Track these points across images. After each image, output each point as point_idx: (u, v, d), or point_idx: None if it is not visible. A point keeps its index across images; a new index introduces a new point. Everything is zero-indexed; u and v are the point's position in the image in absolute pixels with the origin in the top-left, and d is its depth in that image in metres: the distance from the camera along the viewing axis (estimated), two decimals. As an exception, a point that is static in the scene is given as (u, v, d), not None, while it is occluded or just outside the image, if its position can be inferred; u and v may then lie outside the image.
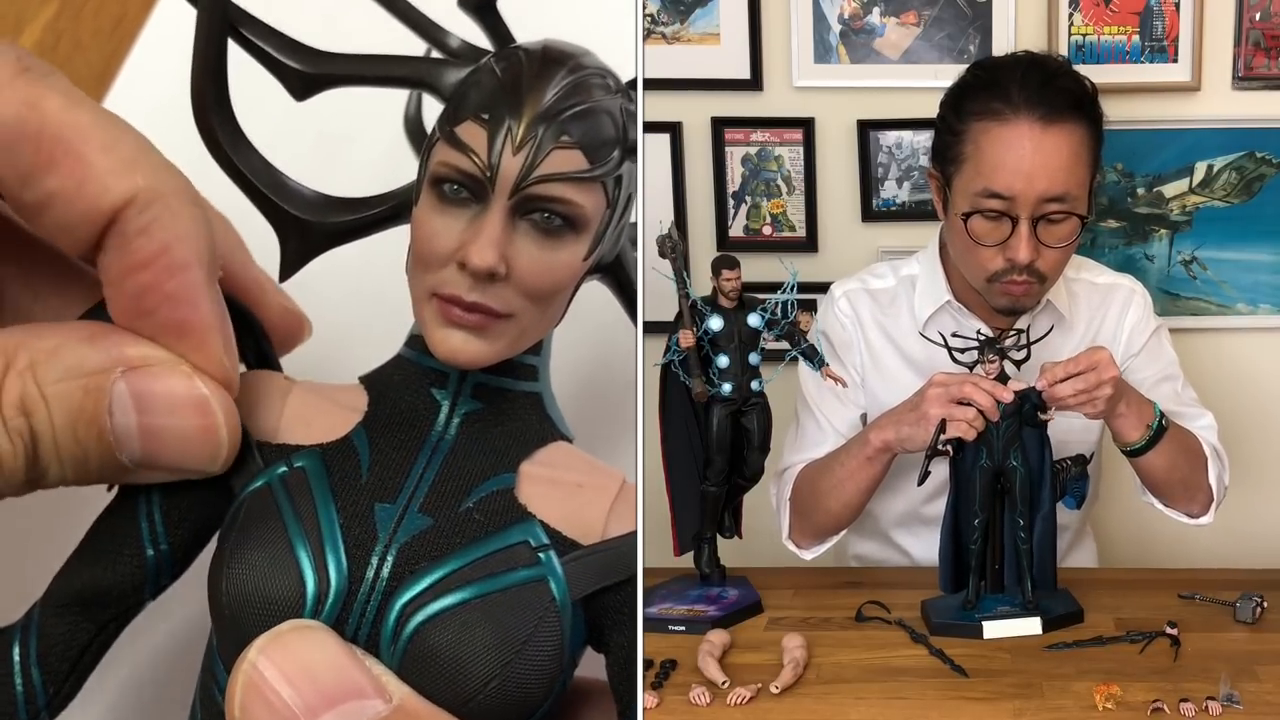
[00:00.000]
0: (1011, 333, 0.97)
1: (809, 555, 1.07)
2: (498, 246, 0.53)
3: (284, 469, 0.55)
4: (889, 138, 1.26)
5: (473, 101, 0.55)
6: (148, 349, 0.53)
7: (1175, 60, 1.23)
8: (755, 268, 0.95)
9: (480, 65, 0.57)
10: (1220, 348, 1.27)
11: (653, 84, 0.86)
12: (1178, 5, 1.21)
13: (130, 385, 0.52)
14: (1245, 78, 1.22)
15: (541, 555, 0.54)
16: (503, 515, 0.55)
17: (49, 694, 0.55)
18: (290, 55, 0.58)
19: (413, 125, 0.69)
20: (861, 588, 1.00)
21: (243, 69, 0.58)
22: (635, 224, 0.61)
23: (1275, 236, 1.25)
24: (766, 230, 1.29)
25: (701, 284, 0.93)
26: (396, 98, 0.66)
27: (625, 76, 0.58)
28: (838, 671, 0.86)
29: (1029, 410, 0.93)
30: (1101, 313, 1.09)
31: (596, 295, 0.61)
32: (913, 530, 1.11)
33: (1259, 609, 0.92)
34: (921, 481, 0.94)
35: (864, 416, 1.08)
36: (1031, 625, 0.92)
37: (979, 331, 0.99)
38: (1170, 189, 1.25)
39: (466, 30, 0.61)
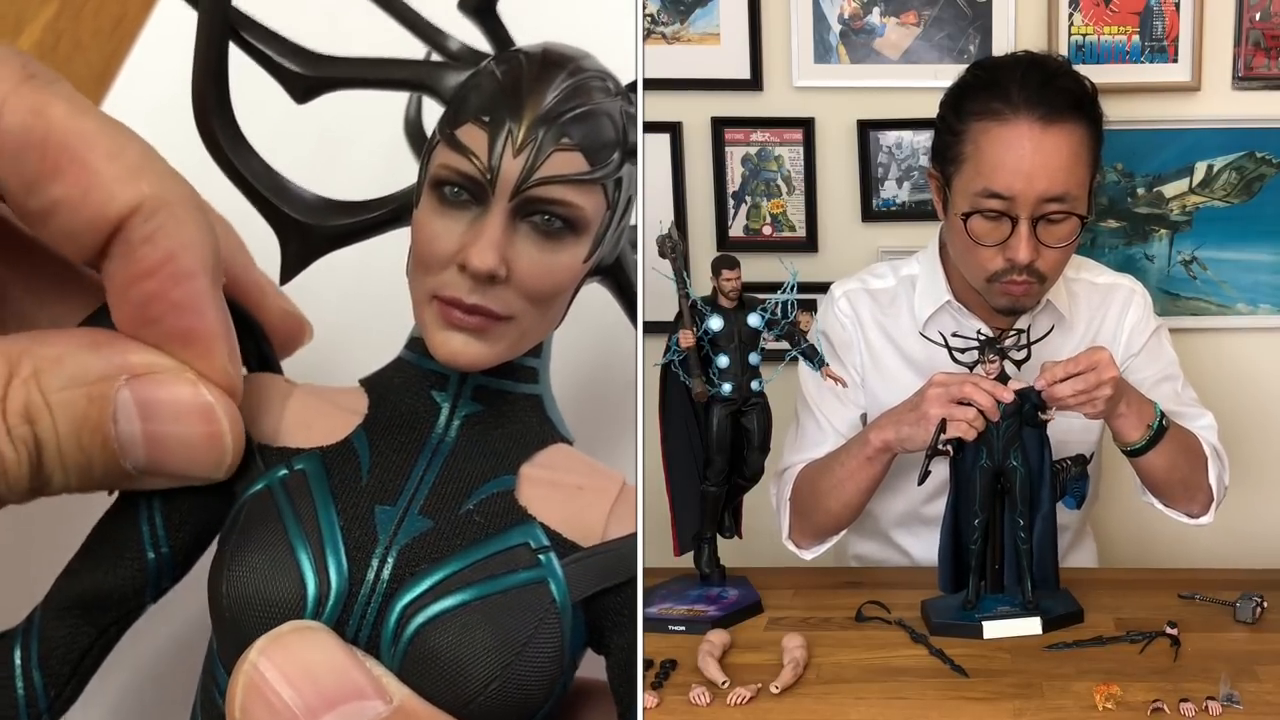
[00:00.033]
0: (1011, 333, 0.97)
1: (809, 555, 1.07)
2: (498, 249, 0.54)
3: (284, 472, 0.55)
4: (889, 138, 1.26)
5: (473, 104, 0.55)
6: (152, 356, 0.53)
7: (1175, 60, 1.22)
8: (755, 268, 0.95)
9: (480, 68, 0.57)
10: (1220, 348, 1.27)
11: (653, 84, 0.86)
12: (1178, 5, 1.21)
13: (135, 393, 0.52)
14: (1245, 78, 1.22)
15: (542, 557, 0.54)
16: (503, 517, 0.55)
17: (50, 697, 0.55)
18: (291, 59, 0.59)
19: (413, 128, 0.69)
20: (861, 588, 1.00)
21: (243, 72, 0.58)
22: (635, 226, 0.61)
23: (1275, 236, 1.25)
24: (766, 230, 1.29)
25: (701, 284, 0.93)
26: (397, 101, 0.66)
27: (625, 77, 0.58)
28: (838, 671, 0.86)
29: (1029, 410, 0.93)
30: (1101, 313, 1.09)
31: (596, 297, 0.61)
32: (913, 530, 1.11)
33: (1259, 609, 0.92)
34: (921, 481, 0.94)
35: (864, 416, 1.08)
36: (1031, 625, 0.92)
37: (979, 331, 0.99)
38: (1170, 189, 1.25)
39: (466, 33, 0.61)
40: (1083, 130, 1.01)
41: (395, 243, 0.58)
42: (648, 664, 0.85)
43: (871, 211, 1.28)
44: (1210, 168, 1.24)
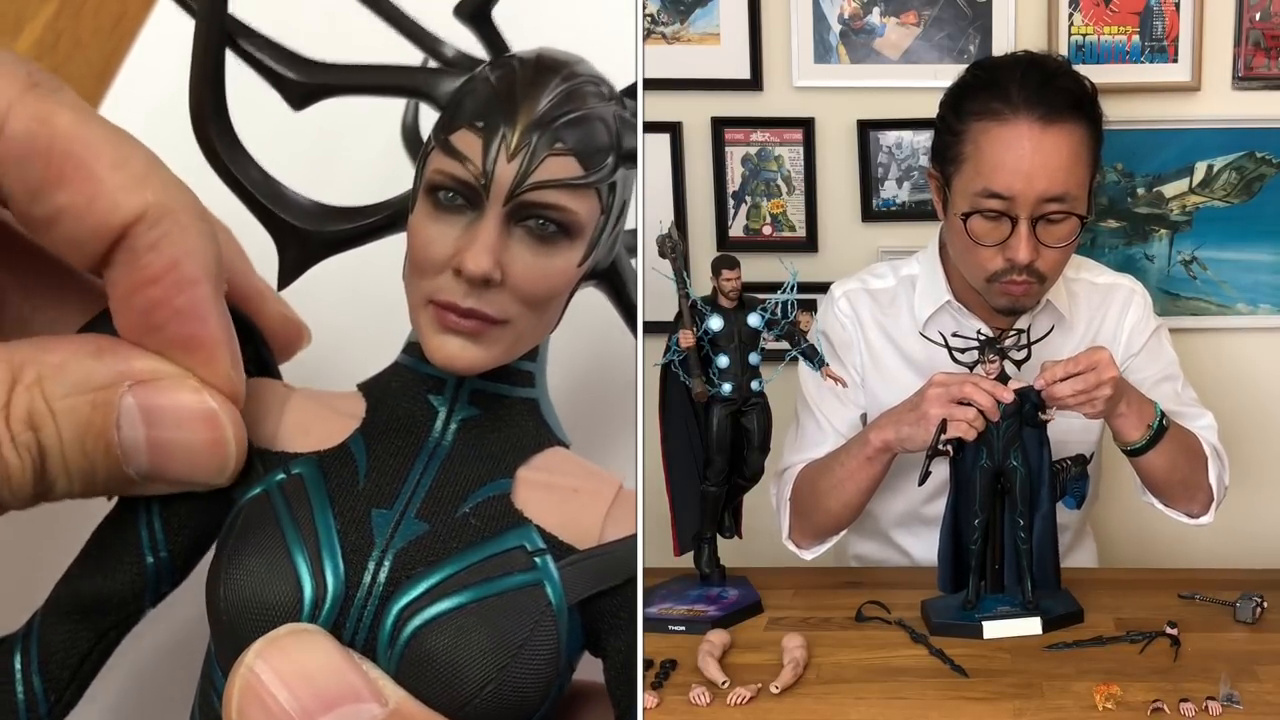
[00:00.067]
0: (1011, 333, 0.97)
1: (809, 555, 1.08)
2: (492, 253, 0.54)
3: (281, 476, 0.55)
4: (889, 138, 1.26)
5: (467, 110, 0.55)
6: (155, 363, 0.53)
7: (1175, 60, 1.22)
8: (755, 268, 0.95)
9: (475, 74, 0.57)
10: (1220, 348, 1.27)
11: (653, 84, 0.86)
12: (1178, 5, 1.21)
13: (138, 399, 0.53)
14: (1245, 78, 1.22)
15: (537, 560, 0.54)
16: (499, 520, 0.55)
17: (50, 701, 0.56)
18: (287, 66, 0.59)
19: (410, 134, 0.69)
20: (861, 588, 1.01)
21: (240, 78, 0.58)
22: (631, 230, 0.61)
23: (1275, 236, 1.25)
24: (766, 230, 1.29)
25: (701, 284, 0.93)
26: (393, 107, 0.67)
27: (625, 77, 0.59)
28: (838, 671, 0.86)
29: (1029, 410, 0.93)
30: (1101, 313, 1.09)
31: (595, 300, 0.61)
32: (913, 530, 1.11)
33: (1259, 609, 0.92)
34: (922, 481, 0.94)
35: (864, 416, 1.08)
36: (1031, 625, 0.92)
37: (979, 331, 0.99)
38: (1170, 189, 1.25)
39: (462, 39, 0.61)
40: (1082, 130, 1.01)
41: (392, 248, 0.58)
42: (648, 664, 0.86)
43: (871, 211, 1.28)
44: (1210, 168, 1.24)
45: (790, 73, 1.26)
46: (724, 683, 0.83)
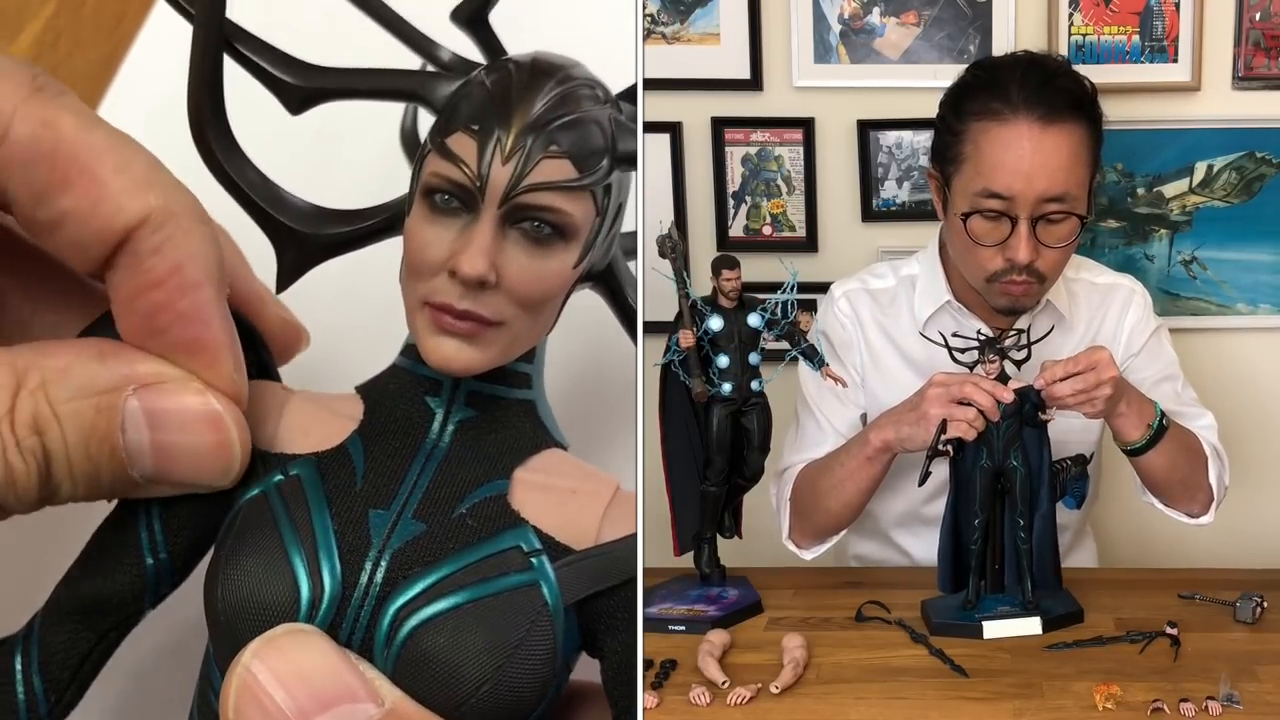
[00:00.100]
0: (1011, 333, 0.97)
1: (809, 555, 1.08)
2: (488, 255, 0.54)
3: (280, 477, 0.56)
4: (889, 138, 1.26)
5: (463, 113, 0.55)
6: (159, 366, 0.54)
7: (1175, 60, 1.22)
8: (755, 268, 0.95)
9: (471, 78, 0.57)
10: (1220, 348, 1.27)
11: (653, 84, 0.86)
12: (1178, 5, 1.21)
13: (143, 402, 0.53)
14: (1245, 78, 1.22)
15: (534, 560, 0.55)
16: (495, 521, 0.55)
17: (50, 702, 0.56)
18: (285, 70, 0.59)
19: (408, 138, 0.69)
20: (861, 588, 1.01)
21: (238, 82, 0.58)
22: (628, 232, 0.62)
23: (1275, 236, 1.25)
24: (766, 230, 1.29)
25: (701, 284, 0.94)
26: (391, 111, 0.67)
27: (625, 78, 0.59)
28: (838, 671, 0.87)
29: (1029, 410, 0.93)
30: (1101, 313, 1.09)
31: (592, 302, 0.61)
32: (913, 530, 1.11)
33: (1259, 609, 0.92)
34: (922, 482, 0.94)
35: (864, 416, 1.08)
36: (1031, 625, 0.92)
37: (979, 331, 0.99)
38: (1170, 189, 1.25)
39: (459, 44, 0.61)
40: (1082, 130, 1.01)
41: (390, 251, 0.59)
42: (648, 664, 0.86)
43: (871, 211, 1.28)
44: (1210, 168, 1.24)
45: (790, 73, 1.26)
46: (724, 683, 0.83)
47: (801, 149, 1.26)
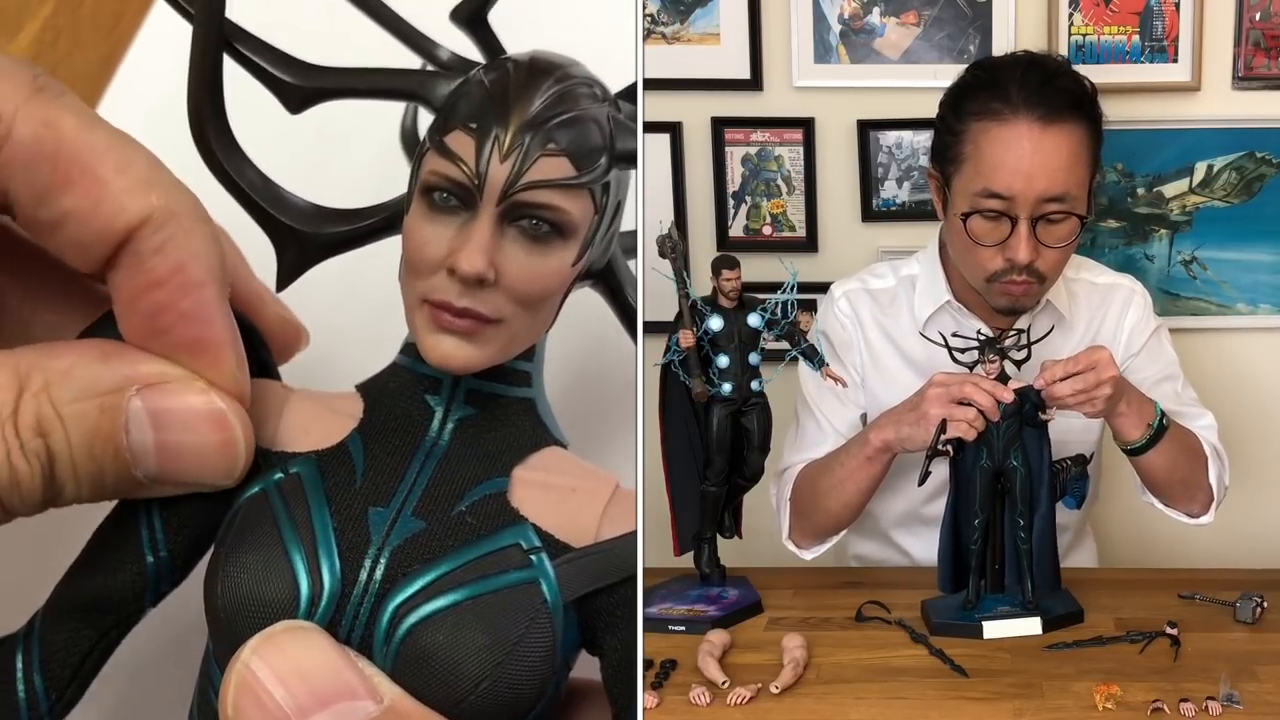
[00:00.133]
0: (1011, 333, 0.97)
1: (809, 555, 1.08)
2: (486, 252, 0.54)
3: (279, 475, 0.56)
4: (889, 138, 1.26)
5: (461, 111, 0.56)
6: (162, 366, 0.54)
7: (1175, 60, 1.23)
8: (755, 268, 0.95)
9: (469, 76, 0.57)
10: (1220, 348, 1.27)
11: (653, 84, 0.87)
12: (1178, 5, 1.21)
13: (146, 402, 0.53)
14: (1245, 78, 1.23)
15: (533, 558, 0.55)
16: (495, 518, 0.56)
17: (51, 700, 0.56)
18: (285, 70, 0.59)
19: (408, 137, 0.70)
20: (861, 588, 1.01)
21: (238, 81, 0.59)
22: (627, 231, 0.62)
23: (1275, 236, 1.25)
24: (766, 230, 1.29)
25: (701, 284, 0.94)
26: (390, 110, 0.67)
27: (624, 77, 0.59)
28: (838, 671, 0.87)
29: (1029, 410, 0.93)
30: (1101, 313, 1.09)
31: (592, 300, 0.62)
32: (913, 530, 1.11)
33: (1259, 609, 0.92)
34: (922, 482, 0.94)
35: (864, 416, 1.08)
36: (1031, 625, 0.92)
37: (979, 331, 0.99)
38: (1170, 189, 1.25)
39: (458, 43, 0.62)
40: (1082, 130, 1.01)
41: (389, 249, 0.59)
42: (648, 664, 0.86)
43: (871, 211, 1.28)
44: (1210, 168, 1.24)
45: (790, 73, 1.26)
46: (724, 683, 0.83)
47: (801, 149, 1.26)
